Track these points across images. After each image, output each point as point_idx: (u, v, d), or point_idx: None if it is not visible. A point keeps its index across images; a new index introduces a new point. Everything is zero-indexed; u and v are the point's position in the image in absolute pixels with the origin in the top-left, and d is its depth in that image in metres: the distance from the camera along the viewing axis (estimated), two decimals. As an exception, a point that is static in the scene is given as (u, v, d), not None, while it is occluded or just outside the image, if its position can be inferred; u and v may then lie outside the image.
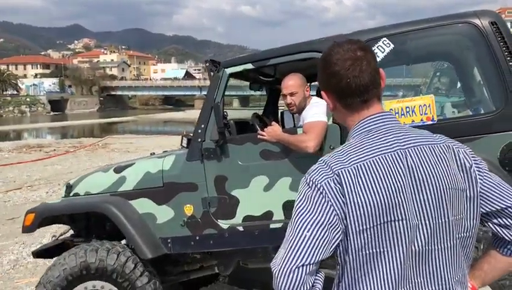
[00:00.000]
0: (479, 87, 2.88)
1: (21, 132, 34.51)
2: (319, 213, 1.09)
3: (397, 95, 2.86)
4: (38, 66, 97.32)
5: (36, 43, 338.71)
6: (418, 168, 1.12)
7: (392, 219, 1.09)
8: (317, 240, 1.07)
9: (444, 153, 1.16)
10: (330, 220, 1.09)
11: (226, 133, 2.91)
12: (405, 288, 1.11)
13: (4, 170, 11.87)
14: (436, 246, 1.12)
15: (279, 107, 4.62)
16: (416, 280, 1.12)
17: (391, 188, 1.09)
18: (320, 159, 1.19)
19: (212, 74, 3.02)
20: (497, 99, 2.56)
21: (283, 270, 1.07)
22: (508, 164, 2.45)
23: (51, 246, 3.44)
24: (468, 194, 1.17)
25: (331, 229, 1.09)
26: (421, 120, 2.61)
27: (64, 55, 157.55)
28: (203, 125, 2.96)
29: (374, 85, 1.19)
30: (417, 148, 1.15)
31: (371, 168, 1.11)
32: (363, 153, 1.13)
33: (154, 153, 3.87)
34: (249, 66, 2.99)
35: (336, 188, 1.10)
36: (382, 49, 2.64)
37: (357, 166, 1.11)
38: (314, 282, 1.10)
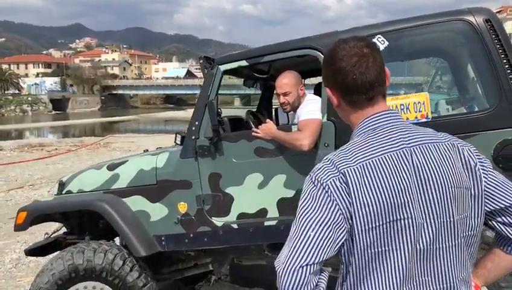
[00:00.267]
0: (473, 85, 2.87)
1: (23, 131, 34.50)
2: (324, 212, 1.08)
3: (398, 94, 2.84)
4: (40, 65, 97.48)
5: (38, 42, 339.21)
6: (423, 167, 1.12)
7: (398, 217, 1.08)
8: (321, 239, 1.07)
9: (449, 152, 1.16)
10: (335, 220, 1.08)
11: (220, 131, 2.90)
12: (410, 286, 1.11)
13: (6, 169, 11.86)
14: (441, 245, 1.12)
15: (273, 104, 4.60)
16: (421, 279, 1.12)
17: (397, 187, 1.09)
18: (325, 157, 1.18)
19: (206, 70, 3.01)
20: (491, 97, 2.55)
21: (287, 269, 1.06)
22: (501, 161, 2.44)
23: (43, 244, 3.43)
24: (473, 193, 1.16)
25: (336, 228, 1.08)
26: (416, 118, 2.60)
27: (66, 54, 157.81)
28: (197, 123, 2.95)
29: (380, 83, 1.18)
30: (422, 147, 1.14)
31: (376, 167, 1.10)
32: (369, 152, 1.13)
33: (147, 150, 3.84)
34: (243, 63, 2.98)
35: (341, 187, 1.09)
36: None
37: (362, 165, 1.11)
38: (318, 281, 1.09)
